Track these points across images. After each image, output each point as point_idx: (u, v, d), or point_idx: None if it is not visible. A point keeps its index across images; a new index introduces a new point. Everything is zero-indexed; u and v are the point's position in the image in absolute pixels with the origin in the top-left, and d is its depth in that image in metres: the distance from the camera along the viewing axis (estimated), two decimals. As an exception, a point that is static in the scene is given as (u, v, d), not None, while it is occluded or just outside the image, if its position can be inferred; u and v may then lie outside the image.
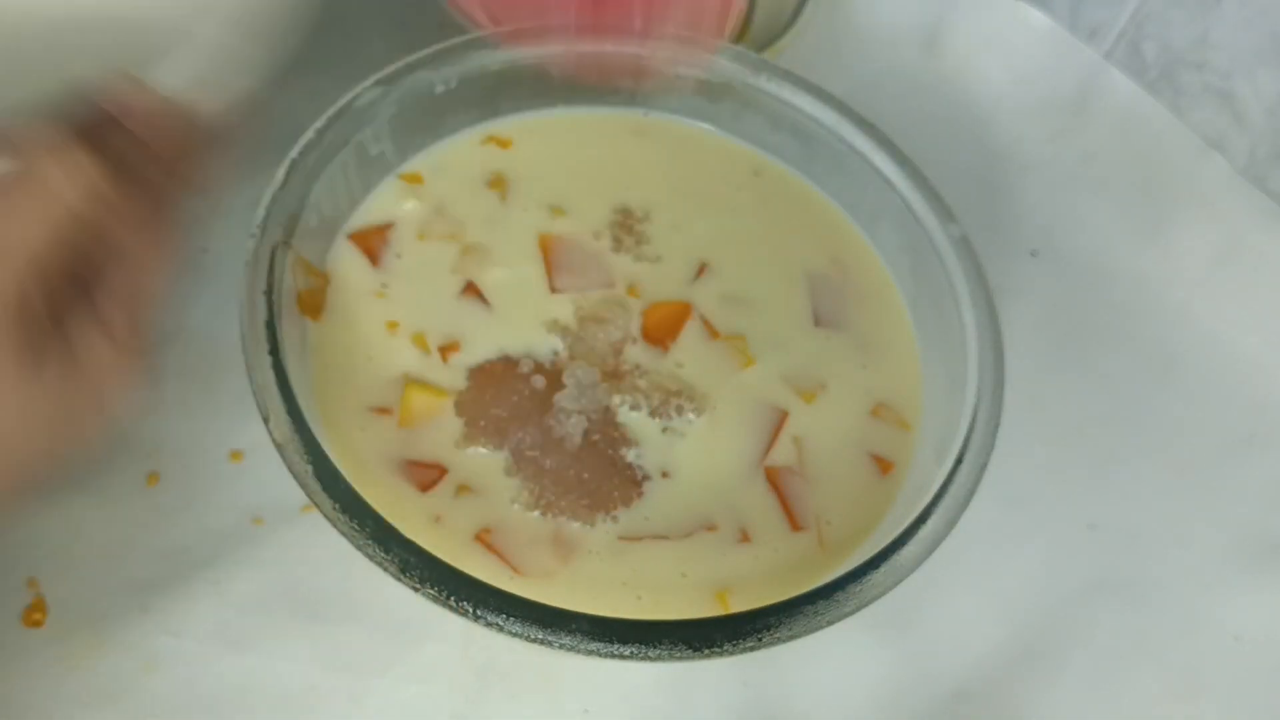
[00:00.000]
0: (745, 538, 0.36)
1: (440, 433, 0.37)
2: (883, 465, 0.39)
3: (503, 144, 0.44)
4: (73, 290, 0.30)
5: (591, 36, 0.42)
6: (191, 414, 0.41)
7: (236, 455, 0.41)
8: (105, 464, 0.40)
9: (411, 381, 0.37)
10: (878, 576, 0.32)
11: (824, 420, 0.39)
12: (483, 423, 0.37)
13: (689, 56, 0.43)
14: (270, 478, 0.40)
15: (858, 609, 0.32)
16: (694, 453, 0.38)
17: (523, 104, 0.44)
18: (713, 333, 0.40)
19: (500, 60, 0.42)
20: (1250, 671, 0.42)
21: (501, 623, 0.30)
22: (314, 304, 0.38)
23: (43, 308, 0.28)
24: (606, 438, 0.37)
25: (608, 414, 0.38)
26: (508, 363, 0.38)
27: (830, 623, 0.31)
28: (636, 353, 0.39)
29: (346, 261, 0.40)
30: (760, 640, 0.31)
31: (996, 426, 0.36)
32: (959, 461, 0.35)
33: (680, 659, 0.30)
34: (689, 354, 0.40)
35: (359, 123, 0.39)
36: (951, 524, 0.34)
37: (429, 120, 0.42)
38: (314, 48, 0.52)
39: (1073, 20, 0.55)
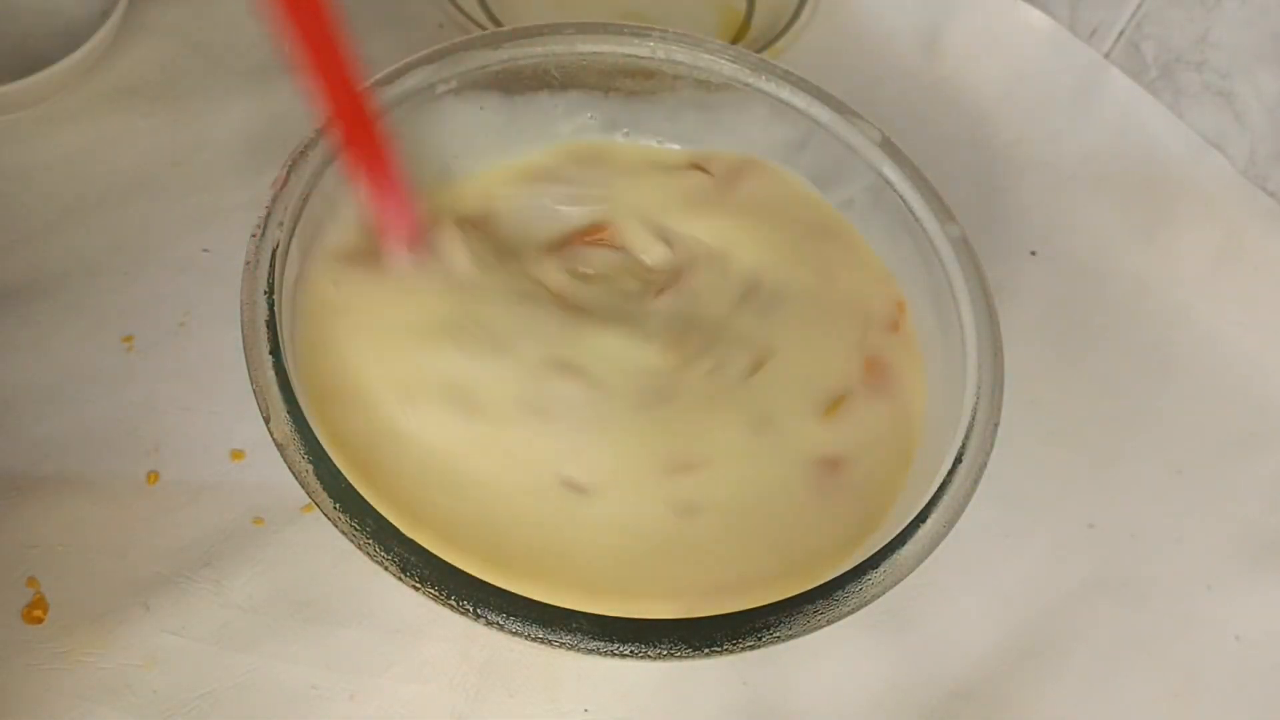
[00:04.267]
0: None
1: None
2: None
3: None
4: None
5: None
6: (191, 414, 0.41)
7: (237, 455, 0.41)
8: (105, 463, 0.40)
9: None
10: (877, 576, 0.32)
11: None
12: None
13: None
14: (271, 477, 0.40)
15: (857, 609, 0.32)
16: None
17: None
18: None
19: (500, 60, 0.42)
20: (1250, 671, 0.42)
21: (502, 622, 0.30)
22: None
23: None
24: None
25: None
26: None
27: (830, 622, 0.31)
28: None
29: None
30: (760, 640, 0.31)
31: (996, 426, 0.36)
32: (958, 461, 0.35)
33: (680, 658, 0.30)
34: None
35: (359, 123, 0.39)
36: (951, 523, 0.34)
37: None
38: (314, 48, 0.53)
39: (1073, 20, 0.55)
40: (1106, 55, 0.54)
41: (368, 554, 0.30)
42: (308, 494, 0.31)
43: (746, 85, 0.43)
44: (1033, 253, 0.52)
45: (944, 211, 0.40)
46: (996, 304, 0.38)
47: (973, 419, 0.36)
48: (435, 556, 0.30)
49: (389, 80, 0.40)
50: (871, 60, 0.58)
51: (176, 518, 0.39)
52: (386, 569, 0.30)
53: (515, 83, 0.43)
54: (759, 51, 0.50)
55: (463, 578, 0.30)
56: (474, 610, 0.30)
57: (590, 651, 0.30)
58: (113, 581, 0.38)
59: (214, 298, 0.44)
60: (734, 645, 0.30)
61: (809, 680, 0.39)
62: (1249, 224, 0.51)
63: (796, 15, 0.53)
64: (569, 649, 0.30)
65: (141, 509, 0.39)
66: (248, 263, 0.34)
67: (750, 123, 0.44)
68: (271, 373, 0.32)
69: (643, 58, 0.43)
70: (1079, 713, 0.40)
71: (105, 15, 0.49)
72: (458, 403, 0.35)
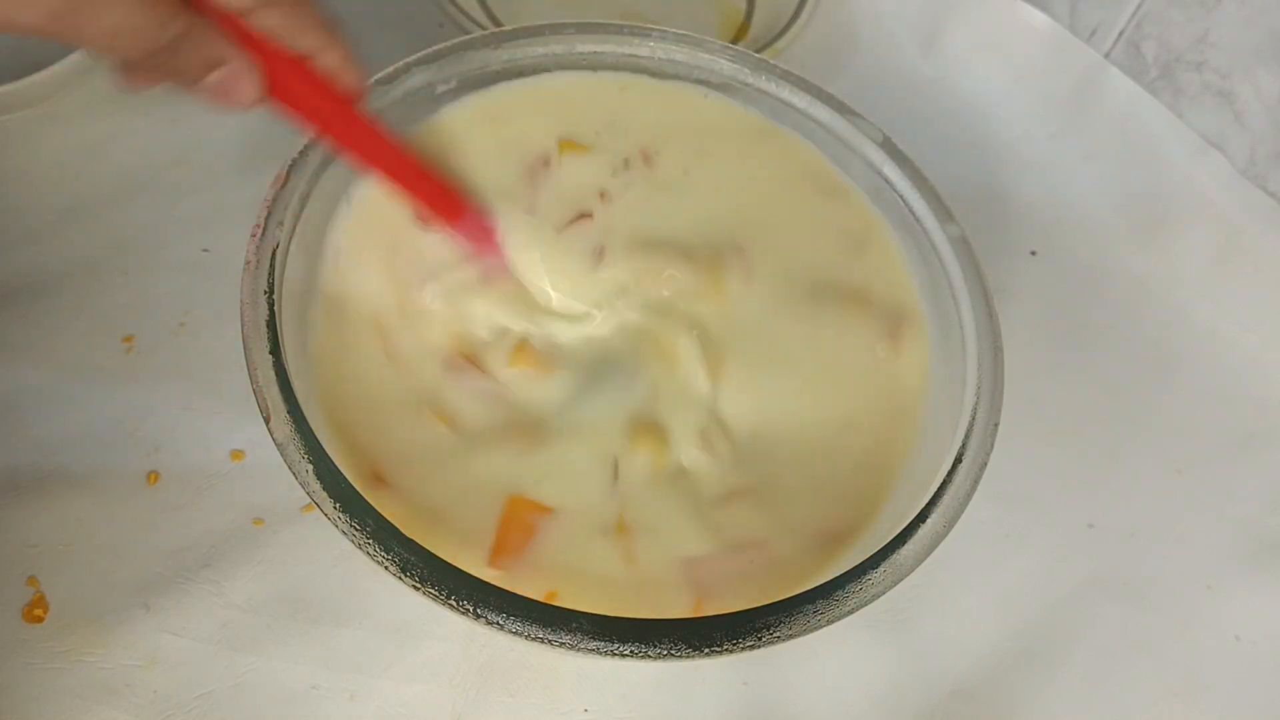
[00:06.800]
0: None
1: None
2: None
3: None
4: None
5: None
6: (192, 414, 0.41)
7: (237, 455, 0.41)
8: (105, 463, 0.40)
9: None
10: (877, 576, 0.32)
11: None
12: None
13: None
14: (270, 478, 0.40)
15: (857, 608, 0.32)
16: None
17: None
18: None
19: (501, 60, 0.42)
20: (1250, 671, 0.42)
21: (502, 622, 0.30)
22: None
23: None
24: None
25: None
26: None
27: (830, 622, 0.31)
28: None
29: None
30: (760, 640, 0.31)
31: (996, 426, 0.36)
32: (958, 460, 0.35)
33: (680, 658, 0.30)
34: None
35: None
36: (951, 523, 0.34)
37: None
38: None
39: (1073, 20, 0.55)
40: (1106, 55, 0.54)
41: (368, 554, 0.30)
42: (308, 494, 0.31)
43: (746, 85, 0.43)
44: (1033, 253, 0.52)
45: (944, 211, 0.40)
46: (996, 304, 0.38)
47: (973, 419, 0.36)
48: (435, 556, 0.30)
49: (389, 80, 0.40)
50: (871, 60, 0.58)
51: (176, 518, 0.39)
52: (386, 569, 0.30)
53: (515, 83, 0.43)
54: (759, 51, 0.50)
55: (463, 578, 0.30)
56: (474, 610, 0.30)
57: (590, 651, 0.30)
58: (113, 581, 0.38)
59: (214, 298, 0.44)
60: (734, 645, 0.30)
61: (809, 680, 0.39)
62: (1249, 224, 0.51)
63: (796, 15, 0.53)
64: (569, 649, 0.30)
65: (141, 509, 0.39)
66: (248, 263, 0.34)
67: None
68: (271, 373, 0.32)
69: (643, 58, 0.43)
70: (1079, 712, 0.40)
71: (105, 15, 0.48)
72: None
